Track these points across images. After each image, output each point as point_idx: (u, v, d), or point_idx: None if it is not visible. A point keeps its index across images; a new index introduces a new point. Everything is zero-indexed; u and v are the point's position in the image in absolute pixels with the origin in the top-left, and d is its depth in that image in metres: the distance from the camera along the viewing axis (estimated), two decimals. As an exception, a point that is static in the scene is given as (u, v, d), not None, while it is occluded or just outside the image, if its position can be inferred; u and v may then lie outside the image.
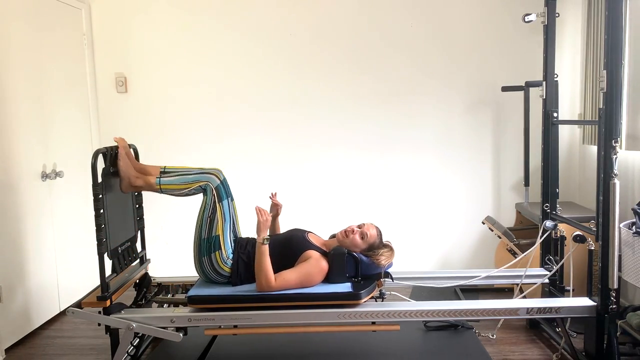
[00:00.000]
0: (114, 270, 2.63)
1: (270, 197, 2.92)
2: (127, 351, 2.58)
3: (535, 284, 2.90)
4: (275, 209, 2.93)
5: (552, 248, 3.00)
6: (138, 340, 2.76)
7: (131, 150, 2.87)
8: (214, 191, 2.59)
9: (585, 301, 2.52)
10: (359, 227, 2.66)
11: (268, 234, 2.57)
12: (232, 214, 2.68)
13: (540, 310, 2.49)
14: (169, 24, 4.01)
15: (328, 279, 2.57)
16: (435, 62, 3.98)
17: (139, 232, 2.98)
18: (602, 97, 2.36)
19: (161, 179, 2.65)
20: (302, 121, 4.05)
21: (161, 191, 2.65)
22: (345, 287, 2.52)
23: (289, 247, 2.62)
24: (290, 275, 2.50)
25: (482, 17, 3.94)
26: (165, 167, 2.70)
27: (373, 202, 4.10)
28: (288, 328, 2.61)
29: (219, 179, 2.61)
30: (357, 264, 2.59)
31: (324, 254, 2.63)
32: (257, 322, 2.49)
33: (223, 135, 4.09)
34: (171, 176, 2.65)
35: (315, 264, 2.53)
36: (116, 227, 2.63)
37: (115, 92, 4.09)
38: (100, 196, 2.46)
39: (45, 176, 3.36)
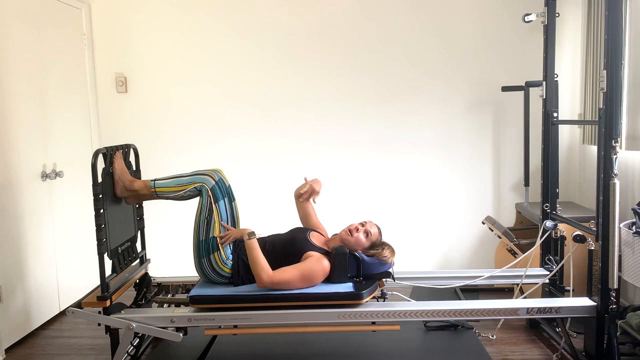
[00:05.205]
0: (114, 270, 2.63)
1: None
2: (127, 351, 2.58)
3: (536, 284, 2.90)
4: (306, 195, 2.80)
5: (552, 248, 3.00)
6: (138, 340, 2.76)
7: (131, 150, 2.88)
8: (210, 192, 2.59)
9: (585, 301, 2.52)
10: (362, 225, 2.66)
11: (251, 230, 2.58)
12: (231, 214, 2.67)
13: (540, 310, 2.49)
14: (169, 24, 4.02)
15: (330, 278, 2.57)
16: (435, 61, 3.98)
17: (139, 232, 2.98)
18: (602, 97, 2.36)
19: (156, 181, 2.65)
20: (302, 120, 4.05)
21: (156, 194, 2.65)
22: (347, 287, 2.52)
23: (291, 248, 2.61)
24: (290, 270, 2.49)
25: (483, 17, 3.94)
26: (155, 180, 2.69)
27: (373, 202, 4.10)
28: (288, 328, 2.60)
29: (213, 179, 2.61)
30: (359, 263, 2.59)
31: (326, 253, 2.63)
32: (257, 322, 2.49)
33: (223, 135, 4.09)
34: (166, 179, 2.66)
35: (316, 262, 2.53)
36: (116, 227, 2.63)
37: (115, 92, 4.09)
38: (100, 196, 2.46)
39: (45, 176, 3.36)
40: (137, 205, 2.96)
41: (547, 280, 2.93)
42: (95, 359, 2.91)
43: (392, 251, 2.65)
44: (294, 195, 2.89)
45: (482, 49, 3.96)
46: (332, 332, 3.03)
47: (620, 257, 2.51)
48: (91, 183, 2.46)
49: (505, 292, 3.75)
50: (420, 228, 4.13)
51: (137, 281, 2.93)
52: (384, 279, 2.71)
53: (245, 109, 4.06)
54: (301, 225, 2.91)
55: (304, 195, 2.79)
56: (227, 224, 2.63)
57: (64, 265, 3.57)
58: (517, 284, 3.02)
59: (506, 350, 2.89)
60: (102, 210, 2.47)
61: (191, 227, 4.08)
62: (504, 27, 3.94)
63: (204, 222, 2.59)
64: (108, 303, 2.49)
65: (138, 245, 2.95)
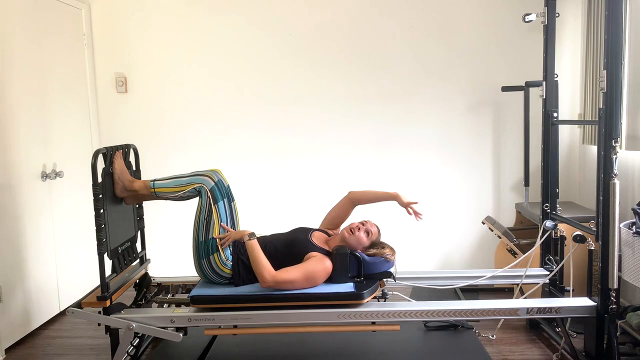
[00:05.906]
0: (114, 270, 2.63)
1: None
2: (127, 351, 2.58)
3: (536, 284, 2.90)
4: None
5: (552, 248, 3.00)
6: (138, 340, 2.76)
7: (131, 150, 2.88)
8: (209, 193, 2.59)
9: (585, 301, 2.52)
10: (362, 224, 2.65)
11: (251, 231, 2.59)
12: (230, 215, 2.67)
13: (540, 310, 2.49)
14: (168, 24, 4.02)
15: (331, 278, 2.57)
16: (435, 61, 3.98)
17: (139, 232, 2.98)
18: (602, 97, 2.36)
19: (155, 182, 2.65)
20: (303, 119, 4.05)
21: (156, 195, 2.65)
22: (347, 287, 2.52)
23: (292, 249, 2.61)
24: (293, 270, 2.48)
25: (483, 17, 3.94)
26: (155, 180, 2.69)
27: (373, 202, 4.10)
28: (288, 328, 2.60)
29: (213, 180, 2.61)
30: (360, 263, 2.58)
31: (327, 253, 2.62)
32: (257, 322, 2.48)
33: (223, 134, 4.09)
34: (165, 179, 2.66)
35: (318, 262, 2.52)
36: (116, 227, 2.63)
37: (115, 92, 4.09)
38: (100, 196, 2.46)
39: (45, 176, 3.36)
40: (137, 205, 2.96)
41: (547, 281, 2.93)
42: (95, 359, 2.91)
43: (393, 250, 2.66)
44: (353, 199, 2.80)
45: (482, 49, 3.96)
46: (332, 332, 3.03)
47: (620, 257, 2.51)
48: (91, 183, 2.46)
49: (505, 292, 3.75)
50: (421, 228, 4.13)
51: (137, 281, 2.93)
52: (384, 279, 2.71)
53: (245, 109, 4.06)
54: (302, 225, 2.90)
55: (415, 215, 2.67)
56: (227, 224, 2.63)
57: (64, 265, 3.57)
58: (517, 284, 3.02)
59: (506, 350, 2.89)
60: (102, 210, 2.47)
61: (191, 227, 4.07)
62: (504, 27, 3.94)
63: (203, 223, 2.59)
64: (108, 303, 2.49)
65: (138, 245, 2.95)
